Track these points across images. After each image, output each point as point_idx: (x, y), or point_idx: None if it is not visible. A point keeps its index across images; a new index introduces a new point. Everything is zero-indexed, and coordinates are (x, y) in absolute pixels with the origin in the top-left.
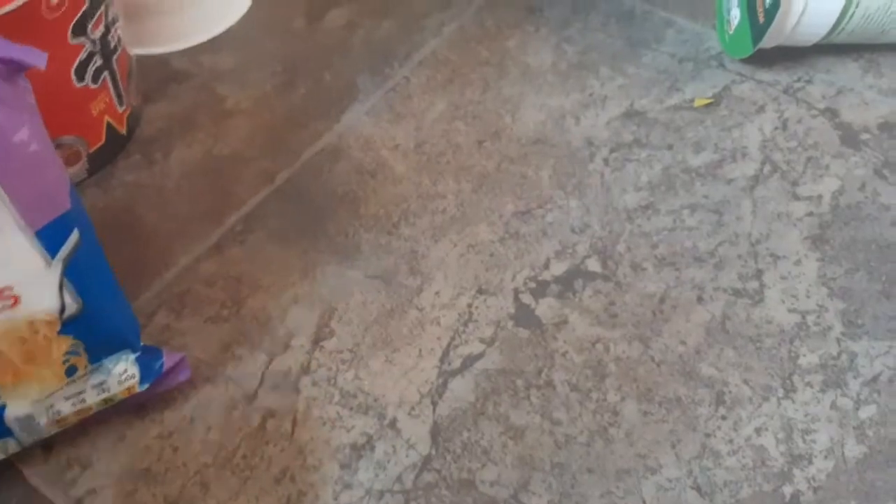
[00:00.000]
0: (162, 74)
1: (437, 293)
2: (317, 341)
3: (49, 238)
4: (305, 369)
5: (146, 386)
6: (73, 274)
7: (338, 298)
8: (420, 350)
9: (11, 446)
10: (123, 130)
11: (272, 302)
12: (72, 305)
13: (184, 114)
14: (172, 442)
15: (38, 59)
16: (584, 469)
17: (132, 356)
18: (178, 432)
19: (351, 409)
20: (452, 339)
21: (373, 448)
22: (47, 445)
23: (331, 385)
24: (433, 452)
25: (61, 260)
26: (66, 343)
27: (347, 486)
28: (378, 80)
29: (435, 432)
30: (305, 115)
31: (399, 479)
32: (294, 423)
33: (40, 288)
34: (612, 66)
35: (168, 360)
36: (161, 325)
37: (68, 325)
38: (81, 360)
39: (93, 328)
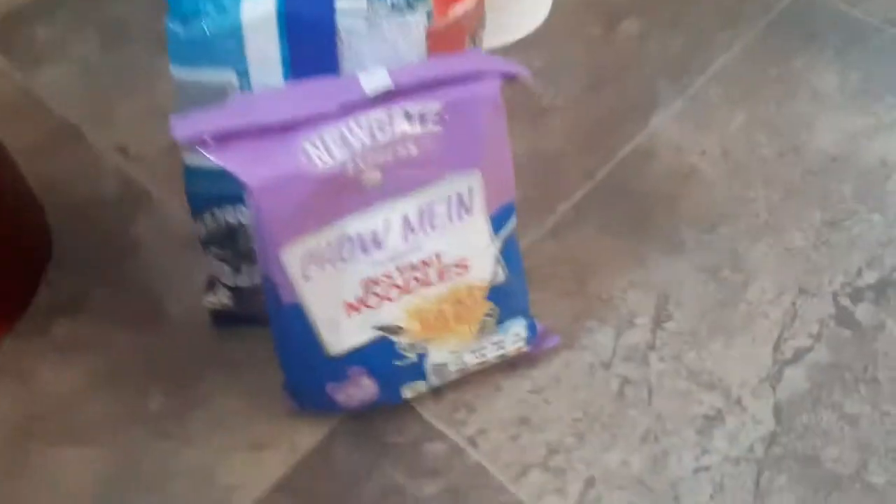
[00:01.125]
0: None
1: (762, 289)
2: (658, 322)
3: (497, 220)
4: (651, 346)
5: (530, 347)
6: (504, 251)
7: (670, 286)
8: (753, 339)
9: (420, 387)
10: None
11: (611, 284)
12: (500, 275)
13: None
14: (545, 396)
15: (522, 70)
16: None
17: (524, 321)
18: (549, 389)
19: (699, 384)
20: (782, 332)
21: (723, 420)
22: (437, 391)
23: (677, 362)
24: (778, 429)
25: (502, 238)
26: (486, 307)
27: (705, 451)
28: (677, 89)
29: (777, 412)
30: (615, 116)
31: (751, 448)
32: (650, 391)
33: (484, 260)
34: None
35: (540, 328)
36: None
37: (491, 292)
38: (491, 322)
39: (506, 296)
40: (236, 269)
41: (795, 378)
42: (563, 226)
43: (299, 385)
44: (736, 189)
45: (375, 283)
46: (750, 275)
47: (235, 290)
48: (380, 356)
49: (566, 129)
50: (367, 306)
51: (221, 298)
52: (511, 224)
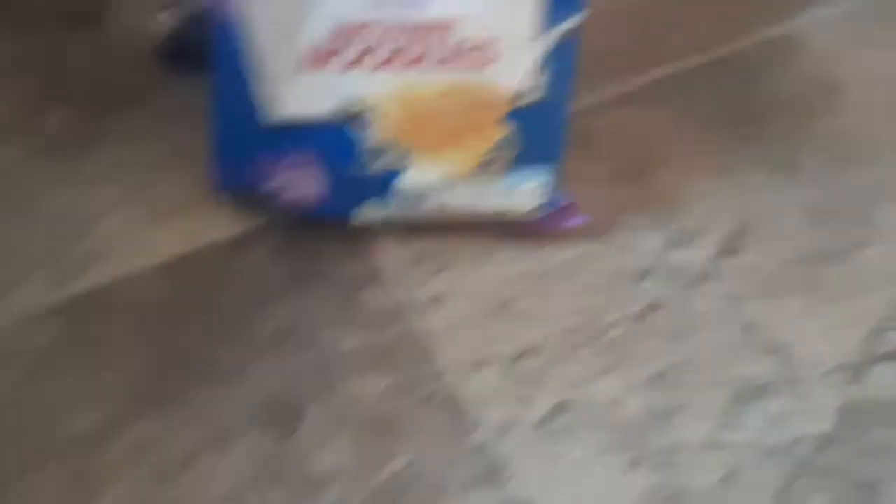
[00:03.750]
0: None
1: (881, 257)
2: (725, 251)
3: (554, 7)
4: (705, 275)
5: (541, 216)
6: (551, 59)
7: (759, 213)
8: (846, 314)
9: (382, 213)
10: None
11: (681, 186)
12: (533, 92)
13: None
14: (541, 286)
15: None
16: None
17: (544, 179)
18: (550, 279)
19: (753, 342)
20: (886, 318)
21: (769, 396)
22: (405, 229)
23: (732, 306)
24: (837, 434)
25: (551, 38)
26: (501, 132)
27: (730, 426)
28: None
29: (844, 412)
30: None
31: (794, 443)
32: (684, 327)
33: (519, 57)
34: None
35: (565, 199)
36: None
37: (515, 113)
38: (502, 159)
39: (535, 127)
40: None
41: (883, 379)
42: (646, 94)
43: (225, 150)
44: (889, 128)
45: (354, 32)
46: (872, 235)
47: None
48: (335, 148)
49: None
50: (336, 65)
51: (169, 20)
52: (573, 21)
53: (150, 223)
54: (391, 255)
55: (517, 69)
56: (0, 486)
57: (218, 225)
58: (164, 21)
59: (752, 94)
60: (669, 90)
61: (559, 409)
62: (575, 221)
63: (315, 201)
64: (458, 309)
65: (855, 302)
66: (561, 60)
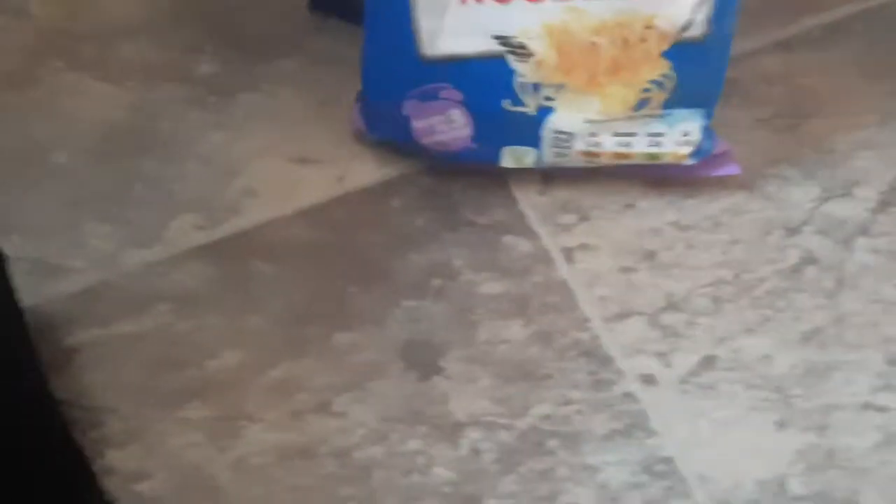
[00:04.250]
0: None
1: None
2: (886, 203)
3: None
4: (864, 229)
5: (695, 161)
6: None
7: None
8: None
9: (528, 159)
10: None
11: (839, 135)
12: (697, 27)
13: None
14: (689, 238)
15: None
16: None
17: (699, 123)
18: (698, 230)
19: None
20: None
21: None
22: (549, 176)
23: (893, 262)
24: None
25: None
26: (659, 69)
27: (890, 388)
28: None
29: None
30: None
31: None
32: (839, 283)
33: None
34: None
35: (719, 147)
36: None
37: (675, 50)
38: (658, 98)
39: (695, 66)
40: None
41: None
42: (803, 41)
43: (374, 89)
44: None
45: None
46: None
47: None
48: (487, 85)
49: None
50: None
51: None
52: None
53: (298, 167)
54: (535, 203)
55: (681, 2)
56: (149, 419)
57: (364, 170)
58: None
59: None
60: (824, 39)
61: (705, 364)
62: (728, 170)
63: (463, 143)
64: (602, 258)
65: None
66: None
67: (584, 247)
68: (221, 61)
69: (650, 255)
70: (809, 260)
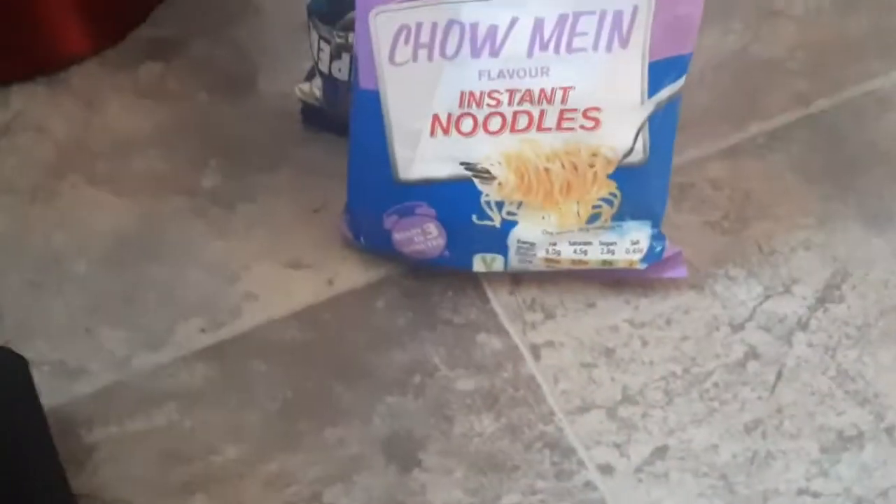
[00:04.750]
0: None
1: None
2: (822, 300)
3: (658, 73)
4: (803, 325)
5: (645, 266)
6: (654, 123)
7: (855, 264)
8: None
9: (496, 264)
10: None
11: (780, 235)
12: (638, 153)
13: None
14: (644, 334)
15: None
16: None
17: (648, 232)
18: (652, 327)
19: (846, 392)
20: None
21: (862, 446)
22: (517, 279)
23: (828, 355)
24: None
25: (655, 103)
26: (607, 189)
27: (824, 474)
28: None
29: None
30: (862, 45)
31: (885, 494)
32: (779, 376)
33: (623, 122)
34: None
35: (669, 249)
36: None
37: (619, 173)
38: (607, 213)
39: (638, 184)
40: (336, 55)
41: None
42: (746, 148)
43: (358, 206)
44: None
45: (476, 101)
46: None
47: (329, 81)
48: (457, 203)
49: (793, 41)
50: (459, 131)
51: (314, 90)
52: (676, 86)
53: (293, 271)
54: (506, 302)
55: (623, 132)
56: None
57: (352, 272)
58: (308, 89)
59: (848, 147)
60: (767, 145)
61: (658, 454)
62: (677, 273)
63: (438, 252)
64: (565, 354)
65: None
66: (664, 123)
67: (549, 343)
68: (223, 174)
69: (609, 352)
70: (752, 355)
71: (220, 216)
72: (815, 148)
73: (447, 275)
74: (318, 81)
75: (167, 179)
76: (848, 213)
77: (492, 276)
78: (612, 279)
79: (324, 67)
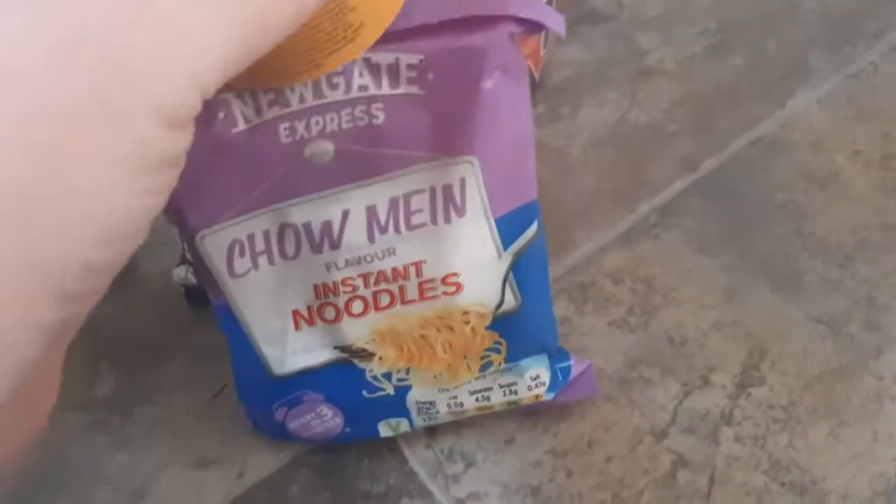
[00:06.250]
0: (578, 11)
1: None
2: (742, 385)
3: (507, 227)
4: (727, 418)
5: (552, 395)
6: (519, 269)
7: (771, 338)
8: (875, 433)
9: (403, 426)
10: (537, 76)
11: (689, 321)
12: (510, 302)
13: (597, 64)
14: (567, 464)
15: (557, 23)
16: None
17: (546, 362)
18: (574, 454)
19: (782, 484)
20: None
21: None
22: (432, 429)
23: (758, 447)
24: None
25: (513, 253)
26: (490, 339)
27: None
28: (836, 62)
29: None
30: (740, 91)
31: None
32: (711, 482)
33: (485, 279)
34: None
35: (575, 368)
36: (560, 316)
37: (497, 322)
38: (498, 359)
39: (520, 328)
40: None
41: None
42: (640, 231)
43: (248, 401)
44: (892, 211)
45: (332, 290)
46: (888, 338)
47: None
48: (342, 383)
49: (671, 99)
50: (323, 320)
51: (189, 276)
52: (530, 233)
53: (201, 471)
54: (424, 458)
55: (488, 288)
56: None
57: (261, 459)
58: (183, 274)
59: (743, 206)
60: (659, 223)
61: None
62: (587, 391)
63: (339, 430)
64: (493, 502)
65: (881, 418)
66: (529, 265)
67: (474, 495)
68: (115, 378)
69: (534, 491)
70: (681, 463)
71: (118, 425)
72: (710, 215)
73: (360, 442)
74: (190, 268)
75: (60, 396)
76: (754, 281)
77: (404, 436)
78: (527, 410)
79: (190, 257)
